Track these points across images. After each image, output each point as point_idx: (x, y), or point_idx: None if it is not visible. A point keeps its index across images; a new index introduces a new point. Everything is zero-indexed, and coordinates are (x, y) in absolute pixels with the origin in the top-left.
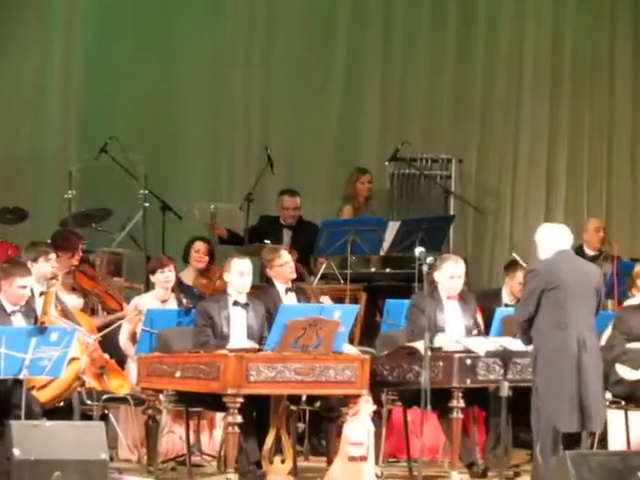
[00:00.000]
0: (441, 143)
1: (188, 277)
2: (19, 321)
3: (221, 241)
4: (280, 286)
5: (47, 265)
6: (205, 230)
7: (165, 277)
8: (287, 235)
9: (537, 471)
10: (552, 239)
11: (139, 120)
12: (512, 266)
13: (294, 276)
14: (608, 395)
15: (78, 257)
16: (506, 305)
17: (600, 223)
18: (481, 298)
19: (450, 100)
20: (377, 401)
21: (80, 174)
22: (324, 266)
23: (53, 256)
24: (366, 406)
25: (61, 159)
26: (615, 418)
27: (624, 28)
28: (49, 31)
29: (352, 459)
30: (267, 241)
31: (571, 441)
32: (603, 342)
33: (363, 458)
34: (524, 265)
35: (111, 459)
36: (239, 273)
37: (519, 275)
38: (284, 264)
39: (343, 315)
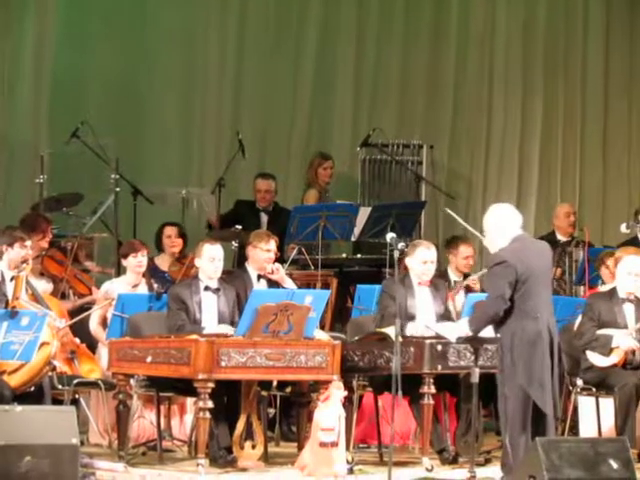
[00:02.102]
0: (413, 129)
1: (163, 263)
2: None
3: (209, 226)
4: (253, 272)
5: (22, 251)
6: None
7: (137, 262)
8: (264, 220)
9: (507, 458)
10: (509, 223)
11: (110, 105)
12: (453, 242)
13: (268, 270)
14: (579, 382)
15: (47, 240)
16: (455, 282)
17: (570, 208)
18: None
19: (422, 86)
20: (348, 387)
21: (51, 158)
22: (295, 252)
23: (29, 243)
24: (337, 392)
25: (32, 144)
26: (586, 405)
27: (597, 13)
28: (19, 15)
29: (323, 445)
30: (238, 226)
31: (539, 427)
32: (575, 329)
33: (334, 444)
34: (459, 220)
35: (82, 444)
36: (210, 259)
37: (462, 249)
38: (267, 251)
39: (314, 301)
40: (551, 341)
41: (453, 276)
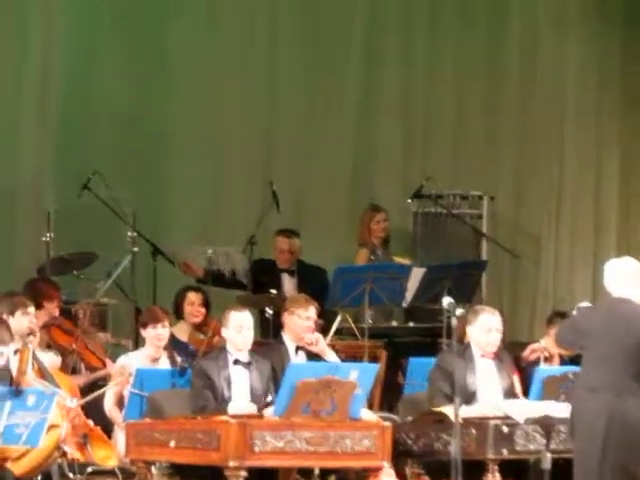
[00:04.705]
0: (471, 178)
1: (182, 332)
2: None
3: (199, 280)
4: (290, 343)
5: (25, 320)
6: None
7: (157, 334)
8: (288, 282)
9: None
10: (612, 280)
11: (125, 152)
12: (557, 317)
13: (307, 340)
14: None
15: (56, 307)
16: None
17: None
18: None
19: (480, 129)
20: (400, 475)
21: (59, 214)
22: (338, 319)
23: (32, 310)
24: None
25: (37, 197)
26: None
27: None
28: (22, 53)
29: None
30: (273, 291)
31: None
32: None
33: None
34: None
35: None
36: (237, 328)
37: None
38: (306, 319)
39: (360, 376)
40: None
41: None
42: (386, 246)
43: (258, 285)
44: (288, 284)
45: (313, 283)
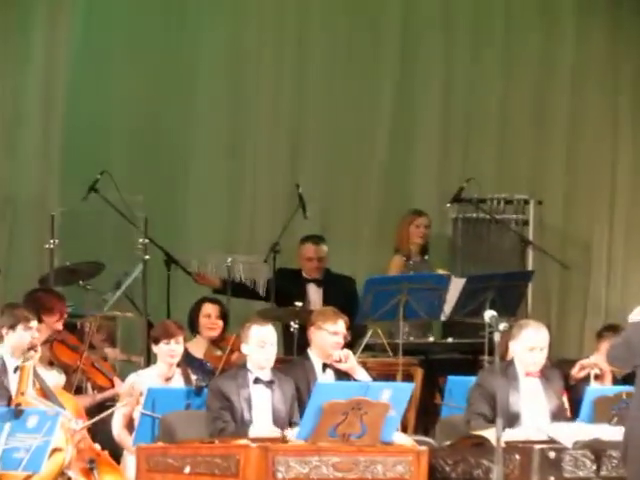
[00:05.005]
0: (517, 180)
1: (197, 348)
2: None
3: (216, 291)
4: (316, 360)
5: (27, 335)
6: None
7: (170, 350)
8: (314, 293)
9: None
10: None
11: (137, 152)
12: (609, 331)
13: (336, 357)
14: None
15: (61, 322)
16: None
17: None
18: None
19: (527, 126)
20: None
21: (64, 219)
22: (369, 334)
23: (34, 324)
24: None
25: (40, 200)
26: None
27: None
28: (26, 50)
29: None
30: (298, 303)
31: None
32: None
33: None
34: None
35: None
36: (259, 343)
37: None
38: (334, 334)
39: (394, 396)
40: None
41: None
42: (424, 255)
43: (281, 297)
44: (314, 295)
45: (341, 294)
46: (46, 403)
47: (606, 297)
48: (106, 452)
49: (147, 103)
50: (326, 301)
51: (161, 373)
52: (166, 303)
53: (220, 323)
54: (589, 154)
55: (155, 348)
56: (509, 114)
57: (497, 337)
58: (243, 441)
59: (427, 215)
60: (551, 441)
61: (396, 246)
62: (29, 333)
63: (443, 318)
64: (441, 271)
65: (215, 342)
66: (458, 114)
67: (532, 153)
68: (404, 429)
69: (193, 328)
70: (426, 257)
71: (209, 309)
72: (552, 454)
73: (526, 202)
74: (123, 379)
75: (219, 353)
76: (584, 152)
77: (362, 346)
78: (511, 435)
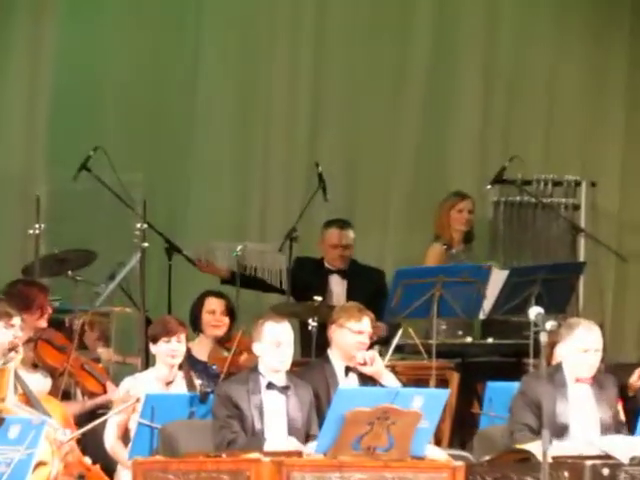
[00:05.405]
0: (566, 159)
1: (201, 349)
2: None
3: (224, 281)
4: (338, 362)
5: (7, 333)
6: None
7: (171, 350)
8: (338, 285)
9: None
10: None
11: (135, 127)
12: None
13: (360, 359)
14: None
15: (45, 318)
16: None
17: None
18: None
19: (580, 99)
20: None
21: (51, 201)
22: (398, 334)
23: (17, 321)
24: None
25: (24, 179)
26: None
27: None
28: (10, 8)
29: None
30: (318, 298)
31: None
32: None
33: None
34: None
35: None
36: (275, 343)
37: None
38: (358, 333)
39: (426, 404)
40: None
41: None
42: (468, 243)
43: (299, 290)
44: (337, 288)
45: (368, 288)
46: (30, 411)
47: None
48: (97, 466)
49: (146, 69)
50: (351, 295)
51: (161, 376)
52: (167, 297)
53: (226, 320)
54: None
55: (153, 347)
56: (559, 84)
57: (543, 337)
58: (254, 455)
59: (470, 198)
60: (604, 456)
61: (436, 233)
62: (10, 331)
63: (482, 316)
64: (495, 265)
65: (221, 342)
66: (501, 83)
67: (585, 128)
68: (437, 442)
69: (196, 326)
70: (471, 246)
71: (213, 304)
72: (606, 471)
73: (577, 184)
74: (117, 383)
75: (225, 354)
76: None
77: (392, 347)
78: (559, 449)
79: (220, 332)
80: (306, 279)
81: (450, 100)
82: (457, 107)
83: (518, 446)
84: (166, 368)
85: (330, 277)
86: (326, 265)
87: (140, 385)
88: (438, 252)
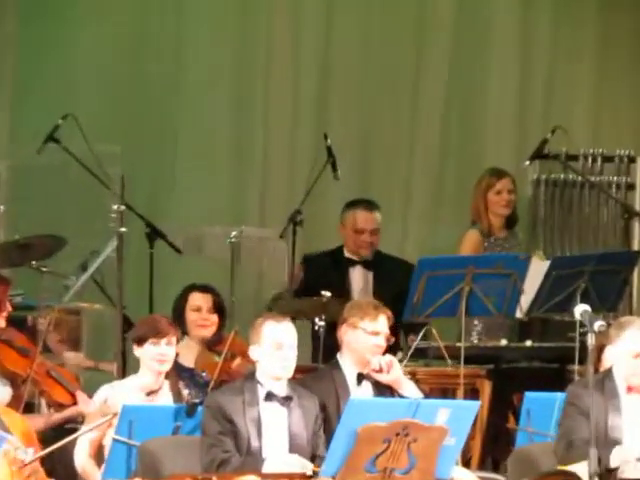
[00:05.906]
0: (618, 131)
1: (187, 354)
2: None
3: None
4: (350, 369)
5: None
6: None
7: (159, 354)
8: (361, 277)
9: None
10: None
11: (112, 89)
12: None
13: (375, 365)
14: None
15: (3, 316)
16: None
17: None
18: None
19: (632, 61)
20: None
21: (12, 177)
22: (419, 336)
23: None
24: None
25: None
26: None
27: None
28: None
29: None
30: (326, 293)
31: None
32: None
33: None
34: None
35: None
36: (275, 346)
37: None
38: (374, 334)
39: (453, 418)
40: None
41: None
42: (511, 229)
43: (310, 283)
44: (360, 281)
45: (395, 284)
46: None
47: None
48: None
49: (126, 23)
50: (378, 290)
51: (144, 385)
52: (148, 292)
53: (213, 318)
54: None
55: (138, 350)
56: (608, 47)
57: (591, 339)
58: (250, 477)
59: (510, 176)
60: None
61: (472, 216)
62: None
63: (519, 314)
64: (540, 255)
65: (210, 345)
66: (541, 42)
67: (636, 96)
68: (466, 462)
69: (180, 327)
70: (515, 232)
71: (198, 300)
72: None
73: (631, 160)
74: (88, 393)
75: (216, 359)
76: None
77: (411, 351)
78: (613, 461)
79: (207, 333)
80: (321, 280)
81: (481, 62)
82: (490, 70)
83: (561, 467)
84: (152, 375)
85: (351, 269)
86: (346, 255)
87: (119, 395)
88: (475, 239)
